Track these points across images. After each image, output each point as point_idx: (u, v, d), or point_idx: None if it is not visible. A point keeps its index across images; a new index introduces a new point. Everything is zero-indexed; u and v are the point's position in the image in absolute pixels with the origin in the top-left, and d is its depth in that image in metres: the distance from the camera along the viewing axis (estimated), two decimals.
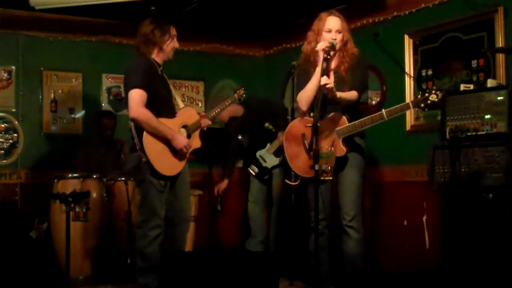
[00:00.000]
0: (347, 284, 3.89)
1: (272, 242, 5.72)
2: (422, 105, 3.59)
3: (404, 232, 4.92)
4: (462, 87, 4.09)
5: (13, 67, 5.79)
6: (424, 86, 4.87)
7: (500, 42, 4.26)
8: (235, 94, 4.50)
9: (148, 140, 3.92)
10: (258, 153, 5.65)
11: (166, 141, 3.99)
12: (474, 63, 4.47)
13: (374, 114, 3.72)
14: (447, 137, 3.87)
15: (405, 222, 4.93)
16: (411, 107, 3.67)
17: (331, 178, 3.43)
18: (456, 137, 3.86)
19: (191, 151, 4.17)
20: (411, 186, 4.87)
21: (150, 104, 3.95)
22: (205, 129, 4.26)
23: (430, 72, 4.84)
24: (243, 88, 4.55)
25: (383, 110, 3.69)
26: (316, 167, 3.31)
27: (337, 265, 3.98)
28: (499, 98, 3.77)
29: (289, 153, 3.97)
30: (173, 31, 4.13)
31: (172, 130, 4.00)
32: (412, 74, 4.95)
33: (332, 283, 4.03)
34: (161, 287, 3.73)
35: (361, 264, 3.88)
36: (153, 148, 3.93)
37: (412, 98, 4.92)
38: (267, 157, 5.61)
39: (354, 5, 5.40)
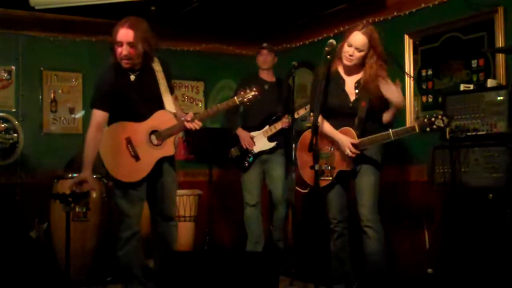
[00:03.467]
0: (370, 284, 3.92)
1: (277, 241, 5.70)
2: (428, 129, 3.65)
3: (404, 232, 4.92)
4: (462, 87, 4.10)
5: (13, 67, 5.78)
6: (424, 86, 4.87)
7: (500, 42, 4.26)
8: (236, 97, 3.87)
9: (103, 150, 3.86)
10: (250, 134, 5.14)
11: (124, 144, 3.82)
12: (474, 63, 4.47)
13: (382, 133, 3.80)
14: (447, 137, 3.87)
15: (405, 222, 4.93)
16: (417, 130, 3.70)
17: (330, 178, 3.43)
18: (456, 137, 3.86)
19: (164, 157, 3.81)
20: (411, 186, 4.87)
21: (113, 110, 3.86)
22: (193, 130, 3.77)
23: (430, 72, 4.84)
24: (254, 89, 3.86)
25: (390, 130, 3.79)
26: (316, 167, 3.32)
27: (360, 265, 4.03)
28: (499, 98, 3.77)
29: (301, 162, 4.04)
30: (119, 37, 3.70)
31: (84, 163, 3.79)
32: (412, 74, 4.94)
33: (356, 280, 4.12)
34: (161, 287, 3.73)
35: (382, 262, 3.91)
36: (108, 160, 3.84)
37: (412, 99, 4.94)
38: (259, 140, 5.09)
39: (354, 5, 5.40)
